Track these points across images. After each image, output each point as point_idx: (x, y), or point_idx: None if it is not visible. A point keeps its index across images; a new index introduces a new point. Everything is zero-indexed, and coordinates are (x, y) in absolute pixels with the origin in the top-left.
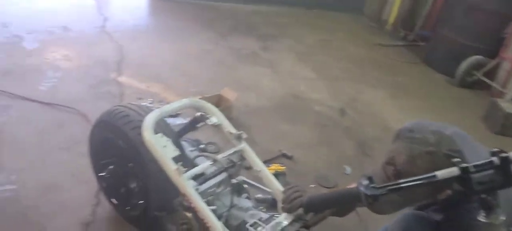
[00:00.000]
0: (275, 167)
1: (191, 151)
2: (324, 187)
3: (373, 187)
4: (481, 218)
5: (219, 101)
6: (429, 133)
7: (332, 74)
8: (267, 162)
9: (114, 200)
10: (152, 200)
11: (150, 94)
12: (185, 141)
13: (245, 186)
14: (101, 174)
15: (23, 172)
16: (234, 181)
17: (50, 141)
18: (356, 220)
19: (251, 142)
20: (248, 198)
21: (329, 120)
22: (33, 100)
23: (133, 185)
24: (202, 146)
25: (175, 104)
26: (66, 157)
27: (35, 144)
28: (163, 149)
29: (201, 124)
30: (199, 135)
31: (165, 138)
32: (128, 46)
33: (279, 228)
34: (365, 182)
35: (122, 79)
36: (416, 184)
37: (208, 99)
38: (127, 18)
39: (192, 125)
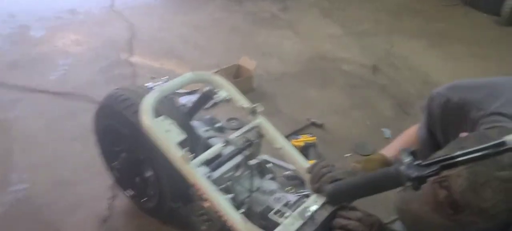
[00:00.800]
0: (305, 138)
1: (205, 131)
2: (362, 155)
3: (419, 165)
4: None
5: (237, 72)
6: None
7: (361, 28)
8: (295, 134)
9: (129, 192)
10: (166, 190)
11: (164, 72)
12: (199, 120)
13: (269, 165)
14: (113, 164)
15: (35, 168)
16: (254, 161)
17: (62, 132)
18: None
19: (277, 112)
20: (273, 179)
21: (361, 80)
22: (43, 91)
23: (148, 174)
24: (219, 125)
25: (177, 80)
26: (79, 147)
27: (47, 137)
28: (166, 134)
29: (210, 100)
30: (220, 111)
31: (168, 121)
32: (138, 24)
33: (308, 213)
34: (408, 159)
35: (134, 59)
36: (479, 157)
37: (226, 71)
38: None
39: (201, 102)
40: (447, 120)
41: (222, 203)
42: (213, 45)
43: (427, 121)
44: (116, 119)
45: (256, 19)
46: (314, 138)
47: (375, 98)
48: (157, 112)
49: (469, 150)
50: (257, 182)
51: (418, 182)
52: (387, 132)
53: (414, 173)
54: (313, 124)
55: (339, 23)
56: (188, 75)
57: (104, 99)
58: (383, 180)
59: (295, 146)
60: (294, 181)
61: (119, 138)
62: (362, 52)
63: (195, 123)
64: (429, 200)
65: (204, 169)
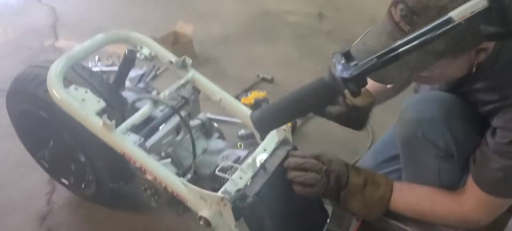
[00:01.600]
0: (254, 94)
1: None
2: None
3: (356, 65)
4: None
5: (175, 39)
6: None
7: None
8: (244, 92)
9: (66, 181)
10: (102, 171)
11: (95, 53)
12: (131, 90)
13: (215, 124)
14: (41, 154)
15: None
16: (195, 121)
17: None
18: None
19: (223, 76)
20: (221, 137)
21: (308, 29)
22: None
23: (82, 158)
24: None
25: (86, 44)
26: (9, 145)
27: None
28: (81, 104)
29: (133, 62)
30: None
31: (82, 89)
32: (61, 6)
33: (258, 162)
34: (342, 61)
35: (60, 43)
36: (424, 41)
37: (162, 40)
38: None
39: (124, 66)
40: None
41: (159, 170)
42: (149, 17)
43: None
44: (29, 102)
45: None
46: (265, 93)
47: (324, 45)
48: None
49: (411, 36)
50: (202, 143)
51: (357, 82)
52: None
53: (352, 73)
54: (263, 79)
55: None
56: (99, 36)
57: (12, 82)
58: (317, 90)
59: (245, 104)
60: (250, 140)
61: (40, 123)
62: (306, 2)
63: (127, 94)
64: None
65: (134, 137)
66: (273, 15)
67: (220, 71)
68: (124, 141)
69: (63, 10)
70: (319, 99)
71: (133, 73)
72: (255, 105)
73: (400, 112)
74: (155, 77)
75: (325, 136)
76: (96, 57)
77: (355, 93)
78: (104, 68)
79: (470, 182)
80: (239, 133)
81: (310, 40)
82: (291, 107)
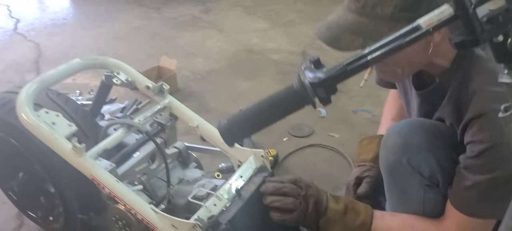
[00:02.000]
0: None
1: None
2: (300, 137)
3: (325, 71)
4: (505, 79)
5: (159, 74)
6: None
7: (286, 19)
8: None
9: (32, 214)
10: (71, 201)
11: (76, 87)
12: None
13: (192, 153)
14: (9, 185)
15: None
16: (172, 149)
17: None
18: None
19: (205, 110)
20: (198, 167)
21: (292, 66)
22: None
23: (52, 189)
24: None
25: (61, 68)
26: None
27: None
28: (51, 128)
29: (109, 87)
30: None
31: (53, 113)
32: (45, 42)
33: (234, 189)
34: (310, 67)
35: None
36: (393, 49)
37: (146, 74)
38: (43, 15)
39: (101, 92)
40: None
41: (128, 195)
42: (133, 53)
43: None
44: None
45: (177, 23)
46: None
47: None
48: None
49: (379, 44)
50: (178, 173)
51: (326, 88)
52: (323, 111)
53: (320, 78)
54: None
55: (263, 18)
56: (75, 60)
57: None
58: (286, 97)
59: None
60: (231, 173)
61: (10, 151)
62: (289, 41)
63: (104, 123)
64: None
65: (105, 163)
66: (257, 53)
67: (203, 106)
68: (94, 165)
69: (47, 46)
70: (288, 107)
71: (114, 107)
72: None
73: (384, 138)
74: (136, 111)
75: (308, 169)
76: (77, 92)
77: (325, 101)
78: (85, 102)
79: (448, 206)
80: (220, 166)
81: (293, 77)
82: (260, 116)
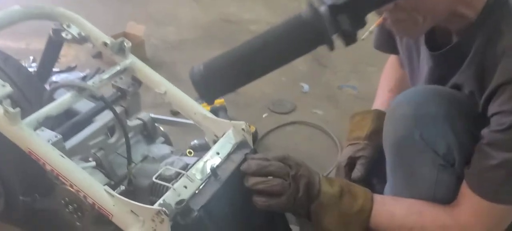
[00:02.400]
0: None
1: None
2: (281, 113)
3: None
4: None
5: None
6: None
7: None
8: (200, 99)
9: None
10: (11, 181)
11: (30, 53)
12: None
13: (159, 125)
14: None
15: None
16: (135, 121)
17: None
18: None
19: (177, 81)
20: (167, 143)
21: None
22: None
23: None
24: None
25: None
26: None
27: None
28: None
29: (60, 44)
30: None
31: None
32: None
33: (209, 168)
34: None
35: None
36: None
37: None
38: None
39: (49, 51)
40: None
41: (75, 173)
42: (98, 18)
43: None
44: None
45: None
46: (222, 100)
47: None
48: None
49: None
50: (142, 148)
51: (351, 16)
52: (305, 86)
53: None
54: None
55: None
56: (15, 8)
57: None
58: (291, 33)
59: None
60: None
61: None
62: (268, 12)
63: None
64: None
65: (48, 133)
66: (234, 24)
67: (174, 76)
68: (32, 135)
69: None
70: (291, 48)
71: (73, 76)
72: (212, 113)
73: (391, 107)
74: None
75: (289, 149)
76: (31, 58)
77: (349, 37)
78: None
79: (464, 189)
80: (192, 143)
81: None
82: (250, 61)
